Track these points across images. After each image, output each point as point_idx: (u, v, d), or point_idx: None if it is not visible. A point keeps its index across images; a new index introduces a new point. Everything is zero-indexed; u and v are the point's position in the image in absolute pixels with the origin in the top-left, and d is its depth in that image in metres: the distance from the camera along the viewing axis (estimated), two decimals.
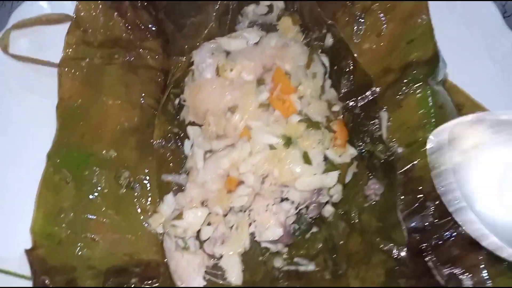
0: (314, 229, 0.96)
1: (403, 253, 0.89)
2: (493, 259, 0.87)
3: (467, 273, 0.91)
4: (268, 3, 1.18)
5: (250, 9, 1.18)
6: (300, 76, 1.00)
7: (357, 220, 0.94)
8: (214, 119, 0.99)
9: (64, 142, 1.02)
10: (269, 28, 1.17)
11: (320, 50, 1.11)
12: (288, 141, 0.90)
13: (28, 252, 0.91)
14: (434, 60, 1.02)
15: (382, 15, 1.09)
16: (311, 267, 0.97)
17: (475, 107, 1.07)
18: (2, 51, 1.06)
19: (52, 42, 1.09)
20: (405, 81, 1.02)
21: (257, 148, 0.91)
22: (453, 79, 1.12)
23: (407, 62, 1.03)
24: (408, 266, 0.89)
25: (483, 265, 0.90)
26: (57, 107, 1.04)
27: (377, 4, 1.09)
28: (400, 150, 0.97)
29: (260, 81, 1.01)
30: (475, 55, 1.14)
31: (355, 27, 1.11)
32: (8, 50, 1.07)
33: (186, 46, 1.13)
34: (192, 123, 1.06)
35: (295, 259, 0.97)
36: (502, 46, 1.13)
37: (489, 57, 1.13)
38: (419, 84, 1.00)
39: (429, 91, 0.99)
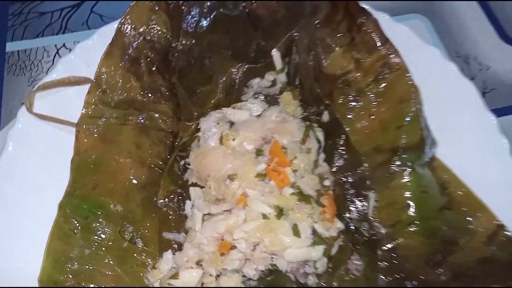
0: None
1: None
2: None
3: None
4: (272, 78, 1.29)
5: (255, 82, 1.29)
6: (295, 151, 1.10)
7: None
8: (215, 184, 1.08)
9: (76, 194, 1.11)
10: (271, 100, 1.28)
11: (317, 125, 1.20)
12: (280, 213, 0.99)
13: None
14: (420, 146, 1.11)
15: (374, 97, 1.19)
16: None
17: (459, 186, 1.13)
18: (26, 110, 1.16)
19: (73, 102, 1.20)
20: (393, 164, 1.10)
21: (251, 216, 0.99)
22: (440, 155, 1.18)
23: (396, 146, 1.12)
24: None
25: None
26: (72, 161, 1.14)
27: (371, 87, 1.20)
28: (383, 230, 1.05)
29: (259, 152, 1.11)
30: (457, 133, 1.20)
31: (350, 106, 1.21)
32: (32, 109, 1.17)
33: (196, 113, 1.22)
34: (195, 184, 1.15)
35: None
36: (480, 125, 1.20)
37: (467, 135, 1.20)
38: (406, 168, 1.09)
39: (414, 176, 1.08)
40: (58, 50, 1.45)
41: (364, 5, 1.30)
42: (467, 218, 1.07)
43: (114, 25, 1.31)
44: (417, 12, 1.55)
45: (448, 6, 1.53)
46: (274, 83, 1.30)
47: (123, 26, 1.28)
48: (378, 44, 1.18)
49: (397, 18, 1.48)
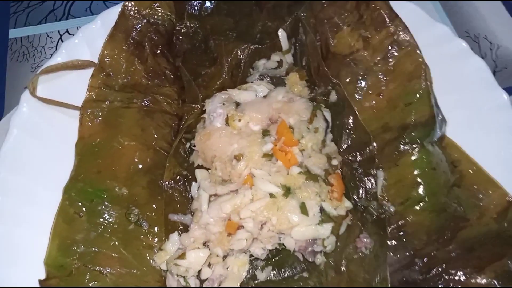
0: (305, 274, 1.01)
1: None
2: None
3: None
4: (278, 58, 1.27)
5: (261, 63, 1.27)
6: (302, 130, 1.08)
7: (345, 270, 0.99)
8: (221, 165, 1.06)
9: (81, 178, 1.10)
10: (278, 81, 1.25)
11: (324, 105, 1.18)
12: (288, 191, 0.97)
13: (42, 282, 0.98)
14: (430, 123, 1.09)
15: (382, 76, 1.17)
16: None
17: (470, 164, 1.12)
18: (30, 93, 1.15)
19: (76, 86, 1.19)
20: (402, 141, 1.09)
21: (258, 195, 0.97)
22: (451, 134, 1.16)
23: (405, 123, 1.10)
24: None
25: None
26: (76, 145, 1.13)
27: (379, 65, 1.18)
28: (392, 209, 1.04)
29: (265, 132, 1.09)
30: (469, 111, 1.18)
31: (358, 86, 1.19)
32: (36, 92, 1.16)
33: (200, 95, 1.20)
34: (201, 167, 1.13)
35: None
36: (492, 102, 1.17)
37: (479, 113, 1.17)
38: (415, 145, 1.07)
39: (424, 153, 1.06)
40: (61, 36, 1.44)
41: None
42: (478, 195, 1.05)
43: (117, 9, 1.29)
44: None
45: None
46: (280, 64, 1.27)
47: (126, 8, 1.27)
48: (387, 20, 1.16)
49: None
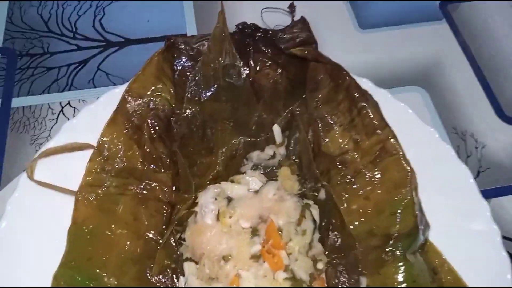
0: None
1: None
2: None
3: None
4: (271, 152, 1.31)
5: (255, 154, 1.32)
6: (290, 233, 1.12)
7: None
8: (209, 263, 1.09)
9: (71, 264, 1.12)
10: (270, 172, 1.30)
11: (313, 202, 1.22)
12: None
13: None
14: (413, 233, 1.12)
15: (370, 179, 1.21)
16: None
17: (449, 272, 1.14)
18: (28, 177, 1.18)
19: (73, 169, 1.22)
20: (385, 250, 1.12)
21: None
22: (432, 238, 1.19)
23: (389, 233, 1.13)
24: None
25: None
26: (69, 230, 1.15)
27: (368, 169, 1.22)
28: None
29: (254, 231, 1.13)
30: (452, 217, 1.21)
31: (346, 187, 1.23)
32: (33, 176, 1.19)
33: (194, 183, 1.23)
34: (190, 259, 1.16)
35: None
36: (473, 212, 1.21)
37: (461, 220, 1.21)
38: (397, 256, 1.11)
39: (406, 265, 1.10)
40: (62, 108, 1.47)
41: (365, 79, 1.34)
42: None
43: (118, 90, 1.34)
44: (416, 84, 1.57)
45: (446, 79, 1.57)
46: (273, 156, 1.32)
47: (127, 94, 1.31)
48: (378, 129, 1.21)
49: (397, 90, 1.53)
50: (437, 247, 1.18)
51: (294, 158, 1.31)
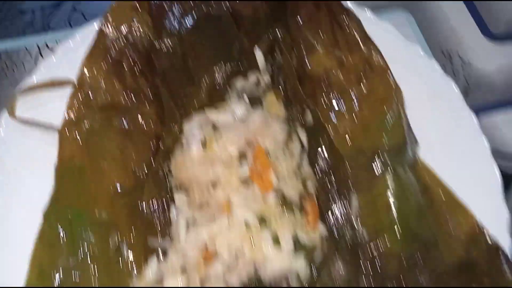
0: None
1: None
2: None
3: None
4: (255, 77, 1.29)
5: (239, 82, 1.29)
6: (278, 154, 1.11)
7: None
8: (198, 191, 1.09)
9: (60, 202, 1.11)
10: (255, 101, 1.28)
11: (300, 127, 1.20)
12: (262, 221, 1.00)
13: None
14: (401, 147, 1.12)
15: (356, 98, 1.20)
16: None
17: (441, 188, 1.15)
18: (8, 114, 1.16)
19: (55, 105, 1.20)
20: (374, 165, 1.12)
21: (234, 223, 1.00)
22: (423, 155, 1.19)
23: (378, 147, 1.13)
24: None
25: None
26: (56, 168, 1.14)
27: (353, 88, 1.20)
28: (366, 235, 1.06)
29: (242, 156, 1.12)
30: (440, 133, 1.22)
31: (333, 108, 1.21)
32: (14, 114, 1.17)
33: (179, 114, 1.22)
34: (179, 190, 1.15)
35: None
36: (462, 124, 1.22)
37: (450, 135, 1.22)
38: (387, 170, 1.10)
39: (395, 178, 1.10)
40: (40, 50, 1.44)
41: (347, 1, 1.31)
42: (449, 222, 1.09)
43: (96, 24, 1.30)
44: (400, 7, 1.54)
45: (431, 1, 1.53)
46: (258, 83, 1.29)
47: (104, 27, 1.28)
48: (361, 45, 1.19)
49: (380, 13, 1.49)
50: (426, 164, 1.18)
51: (279, 84, 1.28)
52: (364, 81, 1.19)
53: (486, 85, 1.43)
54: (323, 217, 1.09)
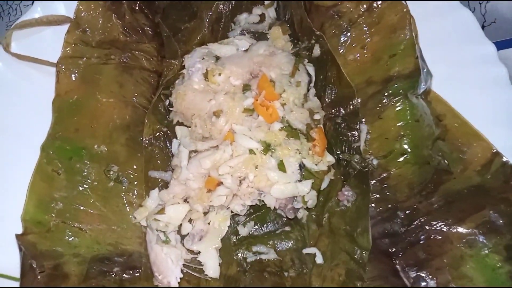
0: (287, 228, 1.00)
1: (364, 257, 0.93)
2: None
3: (432, 276, 0.96)
4: (260, 12, 1.23)
5: (243, 17, 1.23)
6: (284, 84, 1.05)
7: (327, 223, 0.99)
8: (200, 122, 1.04)
9: (58, 135, 1.08)
10: (260, 36, 1.22)
11: (307, 60, 1.15)
12: (267, 148, 0.95)
13: (19, 237, 0.97)
14: (414, 75, 1.06)
15: (367, 28, 1.14)
16: (272, 255, 1.01)
17: (455, 117, 1.10)
18: (4, 49, 1.11)
19: (52, 43, 1.15)
20: (385, 94, 1.07)
21: (238, 151, 0.95)
22: (437, 88, 1.14)
23: (389, 76, 1.08)
24: (365, 270, 0.93)
25: (447, 268, 0.95)
26: (53, 102, 1.10)
27: (363, 17, 1.14)
28: (375, 162, 1.03)
29: (246, 87, 1.07)
30: (456, 65, 1.16)
31: (342, 39, 1.16)
32: (10, 49, 1.12)
33: (180, 50, 1.16)
34: (181, 124, 1.11)
35: (255, 248, 1.02)
36: (479, 56, 1.15)
37: (467, 66, 1.15)
38: (398, 97, 1.05)
39: (407, 105, 1.05)
40: None
41: None
42: (462, 149, 1.04)
43: None
44: None
45: None
46: (262, 19, 1.24)
47: None
48: None
49: None
50: (441, 96, 1.13)
51: (285, 18, 1.23)
52: (375, 10, 1.13)
53: (503, 21, 1.36)
54: (330, 147, 1.04)
